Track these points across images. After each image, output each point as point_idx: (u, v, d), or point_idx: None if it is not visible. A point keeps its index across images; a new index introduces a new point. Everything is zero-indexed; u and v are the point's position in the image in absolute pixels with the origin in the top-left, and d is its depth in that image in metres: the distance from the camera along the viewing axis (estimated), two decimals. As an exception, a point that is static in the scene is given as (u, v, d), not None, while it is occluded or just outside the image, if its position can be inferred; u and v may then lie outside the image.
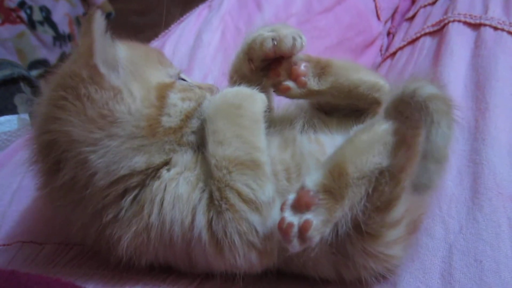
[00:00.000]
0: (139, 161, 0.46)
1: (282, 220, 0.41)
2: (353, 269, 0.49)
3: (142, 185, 0.48)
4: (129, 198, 0.47)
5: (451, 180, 0.58)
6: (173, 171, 0.49)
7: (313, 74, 0.54)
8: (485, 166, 0.57)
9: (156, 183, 0.48)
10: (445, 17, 0.87)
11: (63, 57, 1.61)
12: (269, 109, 0.57)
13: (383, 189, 0.44)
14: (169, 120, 0.49)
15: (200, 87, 0.55)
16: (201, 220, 0.46)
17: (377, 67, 1.03)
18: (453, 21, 0.83)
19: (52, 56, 1.61)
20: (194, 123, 0.51)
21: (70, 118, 0.44)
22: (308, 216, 0.40)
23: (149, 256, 0.49)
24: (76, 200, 0.46)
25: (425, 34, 0.90)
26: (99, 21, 0.43)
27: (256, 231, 0.45)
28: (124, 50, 0.49)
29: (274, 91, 0.57)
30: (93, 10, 0.44)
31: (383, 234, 0.47)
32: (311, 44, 0.93)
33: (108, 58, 0.45)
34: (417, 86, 0.44)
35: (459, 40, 0.80)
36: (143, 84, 0.48)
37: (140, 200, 0.47)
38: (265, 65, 0.55)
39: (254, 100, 0.51)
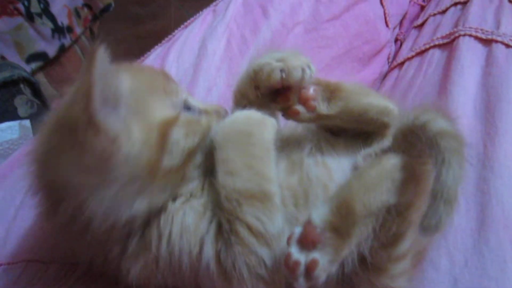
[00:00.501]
0: (140, 205, 0.45)
1: (288, 256, 0.41)
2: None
3: (147, 223, 0.47)
4: (135, 238, 0.47)
5: (457, 210, 0.57)
6: (178, 202, 0.48)
7: (323, 98, 0.53)
8: (493, 196, 0.57)
9: (163, 217, 0.47)
10: (455, 29, 0.85)
11: (62, 49, 1.58)
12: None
13: (390, 226, 0.44)
14: (171, 159, 0.47)
15: (206, 112, 0.54)
16: (209, 252, 0.46)
17: (384, 76, 1.02)
18: (464, 35, 0.82)
19: (51, 49, 1.58)
20: (198, 158, 0.50)
21: (66, 166, 0.42)
22: (315, 255, 0.40)
23: (158, 282, 0.49)
24: (78, 236, 0.46)
25: (435, 46, 0.88)
26: (101, 60, 0.41)
27: (265, 264, 0.45)
28: (127, 81, 0.47)
29: (282, 115, 0.56)
30: (96, 45, 0.41)
31: (389, 268, 0.46)
32: (318, 54, 0.92)
33: (109, 97, 0.43)
34: (428, 119, 0.43)
35: (470, 56, 0.78)
36: (145, 123, 0.46)
37: (146, 236, 0.47)
38: (272, 92, 0.54)
39: (265, 127, 0.50)
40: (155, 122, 0.47)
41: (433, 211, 0.38)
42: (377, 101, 0.55)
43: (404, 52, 0.98)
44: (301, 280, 0.40)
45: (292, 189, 0.50)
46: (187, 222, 0.47)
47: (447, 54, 0.84)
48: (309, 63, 0.52)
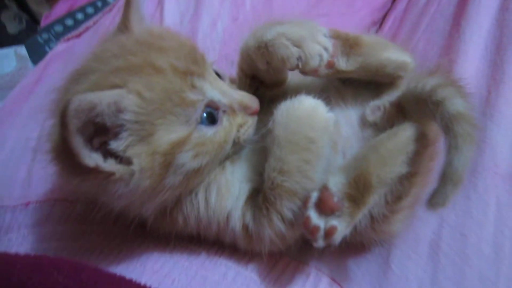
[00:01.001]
0: (148, 210, 0.50)
1: (307, 219, 0.46)
2: (357, 236, 0.54)
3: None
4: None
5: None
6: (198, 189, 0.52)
7: (342, 54, 0.52)
8: (488, 144, 0.60)
9: (186, 201, 0.52)
10: None
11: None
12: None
13: (398, 190, 0.49)
14: (174, 180, 0.47)
15: (231, 109, 0.52)
16: (236, 224, 0.52)
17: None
18: None
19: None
20: (207, 172, 0.51)
21: (72, 184, 0.46)
22: (334, 222, 0.45)
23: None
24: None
25: None
26: (75, 117, 0.39)
27: (285, 236, 0.51)
28: (134, 101, 0.44)
29: (300, 72, 0.54)
30: (66, 102, 0.39)
31: (390, 217, 0.52)
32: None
33: (104, 130, 0.43)
34: (445, 96, 0.45)
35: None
36: (150, 149, 0.44)
37: (173, 214, 0.53)
38: None
39: (327, 131, 0.49)
40: (160, 148, 0.45)
41: (441, 191, 0.42)
42: (395, 56, 0.54)
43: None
44: (320, 242, 0.46)
45: None
46: (211, 203, 0.52)
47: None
48: (326, 43, 0.50)
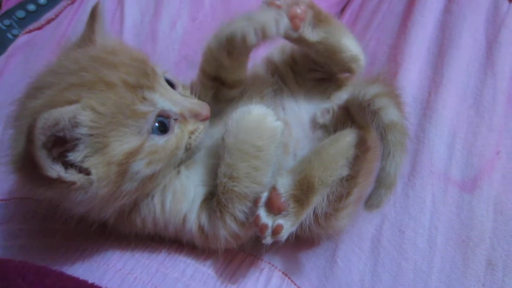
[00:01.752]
0: (107, 212, 0.53)
1: (257, 217, 0.50)
2: (306, 232, 0.58)
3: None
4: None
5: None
6: (154, 194, 0.56)
7: (309, 23, 0.56)
8: (425, 144, 0.65)
9: (143, 204, 0.56)
10: None
11: None
12: None
13: (340, 191, 0.53)
14: (130, 186, 0.50)
15: (183, 117, 0.54)
16: (192, 225, 0.56)
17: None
18: None
19: None
20: (162, 176, 0.54)
21: (34, 191, 0.49)
22: (280, 221, 0.49)
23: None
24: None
25: None
26: (41, 134, 0.42)
27: (239, 235, 0.55)
28: (88, 116, 0.46)
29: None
30: (33, 121, 0.42)
31: (335, 214, 0.57)
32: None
33: (63, 143, 0.45)
34: (381, 106, 0.50)
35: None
36: (105, 159, 0.47)
37: (132, 216, 0.56)
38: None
39: (275, 140, 0.52)
40: (115, 157, 0.47)
41: (376, 194, 0.47)
42: (353, 46, 0.58)
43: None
44: (268, 238, 0.50)
45: None
46: (167, 206, 0.55)
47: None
48: (280, 12, 0.51)
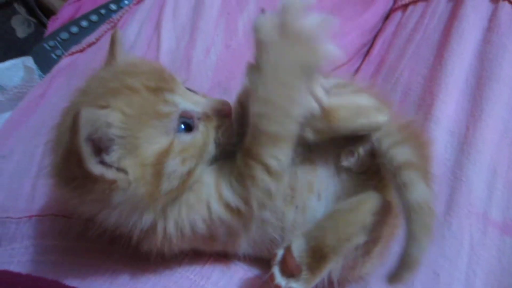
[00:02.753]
0: (147, 220, 0.52)
1: (272, 276, 0.49)
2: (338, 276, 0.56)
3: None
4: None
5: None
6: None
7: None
8: (464, 183, 0.62)
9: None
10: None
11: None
12: None
13: (357, 256, 0.52)
14: (170, 185, 0.50)
15: (206, 116, 0.54)
16: (216, 208, 0.52)
17: (386, 17, 0.98)
18: None
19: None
20: (199, 172, 0.53)
21: (71, 200, 0.50)
22: (293, 284, 0.49)
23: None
24: None
25: None
26: (85, 123, 0.43)
27: (271, 194, 0.52)
28: (117, 118, 0.48)
29: None
30: (79, 110, 0.43)
31: (359, 268, 0.55)
32: (319, 2, 0.88)
33: (100, 146, 0.46)
34: (409, 181, 0.47)
35: (473, 15, 0.75)
36: (138, 161, 0.48)
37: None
38: None
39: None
40: (148, 159, 0.49)
41: (399, 274, 0.45)
42: (367, 120, 0.53)
43: (411, -10, 0.93)
44: None
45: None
46: (190, 201, 0.53)
47: (451, 7, 0.81)
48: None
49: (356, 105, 0.54)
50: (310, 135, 0.53)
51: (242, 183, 0.51)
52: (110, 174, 0.47)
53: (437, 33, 0.79)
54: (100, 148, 0.47)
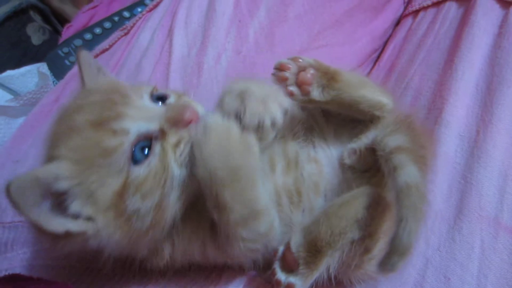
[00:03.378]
0: (142, 252, 0.53)
1: (273, 271, 0.51)
2: (341, 274, 0.57)
3: None
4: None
5: (440, 195, 0.64)
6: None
7: (318, 84, 0.54)
8: (474, 186, 0.62)
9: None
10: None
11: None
12: None
13: (356, 251, 0.51)
14: (143, 223, 0.48)
15: (162, 132, 0.49)
16: (211, 250, 0.55)
17: (396, 23, 0.99)
18: None
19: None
20: (172, 202, 0.49)
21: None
22: (292, 279, 0.50)
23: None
24: None
25: None
26: (18, 194, 0.42)
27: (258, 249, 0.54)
28: (65, 163, 0.46)
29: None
30: (12, 181, 0.41)
31: (362, 266, 0.54)
32: (330, 8, 0.89)
33: (60, 199, 0.45)
34: (398, 164, 0.47)
35: (484, 21, 0.75)
36: (99, 207, 0.46)
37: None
38: None
39: (252, 153, 0.49)
40: (106, 203, 0.46)
41: (389, 259, 0.43)
42: (371, 94, 0.55)
43: (421, -2, 0.93)
44: None
45: (287, 189, 0.57)
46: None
47: (462, 13, 0.81)
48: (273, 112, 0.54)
49: (364, 80, 0.57)
50: (316, 94, 0.54)
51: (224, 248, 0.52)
52: (76, 226, 0.45)
53: (448, 38, 0.79)
54: (62, 201, 0.46)
